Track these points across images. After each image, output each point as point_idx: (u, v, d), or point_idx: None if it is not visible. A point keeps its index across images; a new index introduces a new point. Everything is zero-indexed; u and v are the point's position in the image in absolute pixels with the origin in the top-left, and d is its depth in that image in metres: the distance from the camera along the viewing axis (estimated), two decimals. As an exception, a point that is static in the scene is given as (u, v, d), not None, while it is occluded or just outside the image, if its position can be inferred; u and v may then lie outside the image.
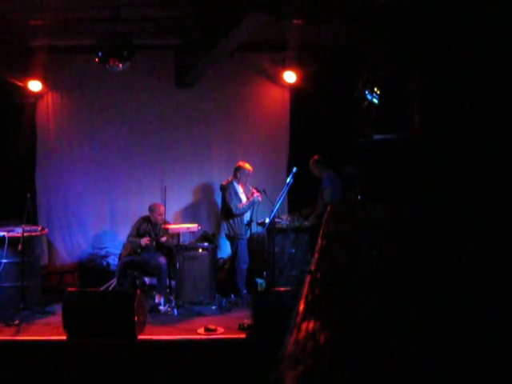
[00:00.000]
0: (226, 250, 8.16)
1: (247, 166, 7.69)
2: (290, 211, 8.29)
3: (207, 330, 5.98)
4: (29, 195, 6.92)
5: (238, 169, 7.70)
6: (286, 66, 8.30)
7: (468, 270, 1.33)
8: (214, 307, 7.08)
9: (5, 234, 6.81)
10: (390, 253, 1.66)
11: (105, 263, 8.24)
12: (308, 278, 1.17)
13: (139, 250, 7.31)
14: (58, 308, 6.31)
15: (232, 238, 7.67)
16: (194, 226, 7.33)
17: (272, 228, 7.33)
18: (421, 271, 1.35)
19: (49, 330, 6.02)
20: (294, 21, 5.76)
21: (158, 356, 5.50)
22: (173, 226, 7.36)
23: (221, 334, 5.97)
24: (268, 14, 5.30)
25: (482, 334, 0.85)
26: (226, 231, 7.68)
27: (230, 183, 7.67)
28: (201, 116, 8.56)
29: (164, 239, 7.38)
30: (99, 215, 8.52)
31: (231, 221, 7.59)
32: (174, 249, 7.33)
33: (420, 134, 4.08)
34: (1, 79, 7.86)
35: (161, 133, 8.53)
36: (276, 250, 7.36)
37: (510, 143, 3.26)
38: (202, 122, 8.57)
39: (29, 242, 6.98)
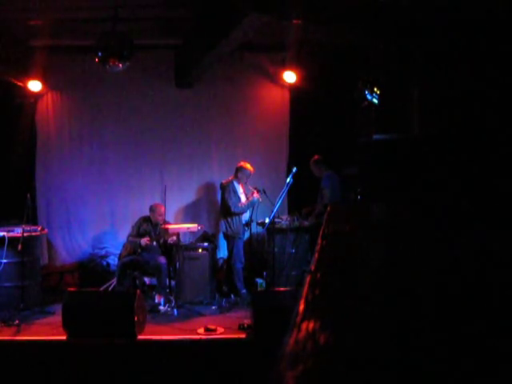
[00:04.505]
0: (225, 250, 8.16)
1: (248, 166, 7.70)
2: (290, 211, 8.29)
3: (207, 330, 5.98)
4: (29, 195, 6.92)
5: (239, 169, 7.72)
6: (285, 66, 8.30)
7: (468, 270, 1.33)
8: (213, 307, 7.08)
9: (5, 234, 6.81)
10: (390, 253, 1.66)
11: (105, 263, 8.24)
12: (308, 278, 1.17)
13: (139, 250, 7.30)
14: (57, 308, 6.30)
15: (229, 237, 7.68)
16: (193, 226, 7.33)
17: (272, 228, 7.33)
18: (421, 271, 1.35)
19: (49, 329, 6.02)
20: (294, 21, 5.77)
21: (158, 356, 5.50)
22: (173, 226, 7.36)
23: (221, 334, 5.97)
24: (268, 14, 5.30)
25: (489, 338, 0.85)
26: (224, 230, 7.69)
27: (230, 182, 7.70)
28: (201, 116, 8.56)
29: (174, 239, 7.26)
30: (99, 215, 8.52)
31: (229, 219, 7.60)
32: (174, 249, 7.32)
33: (420, 133, 4.08)
34: (1, 79, 7.86)
35: (161, 133, 8.52)
36: (276, 250, 7.36)
37: (510, 142, 3.26)
38: (202, 121, 8.57)
39: (29, 241, 6.98)
